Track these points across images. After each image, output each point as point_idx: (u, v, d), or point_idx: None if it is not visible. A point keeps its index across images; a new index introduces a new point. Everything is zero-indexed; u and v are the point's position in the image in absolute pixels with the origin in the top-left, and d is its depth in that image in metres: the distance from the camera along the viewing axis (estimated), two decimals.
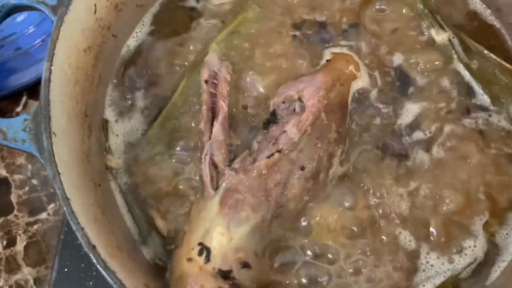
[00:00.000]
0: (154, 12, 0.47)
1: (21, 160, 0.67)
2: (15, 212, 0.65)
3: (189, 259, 0.35)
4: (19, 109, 0.69)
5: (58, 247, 0.62)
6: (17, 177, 0.66)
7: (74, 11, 0.38)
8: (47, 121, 0.34)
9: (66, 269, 0.60)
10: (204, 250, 0.35)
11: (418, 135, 0.43)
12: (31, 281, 0.62)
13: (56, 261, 0.61)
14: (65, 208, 0.32)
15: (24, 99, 0.70)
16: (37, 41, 0.69)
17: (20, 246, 0.63)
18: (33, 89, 0.70)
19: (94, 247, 0.31)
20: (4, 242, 0.63)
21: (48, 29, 0.69)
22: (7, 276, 0.62)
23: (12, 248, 0.63)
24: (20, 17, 0.68)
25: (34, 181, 0.66)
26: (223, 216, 0.37)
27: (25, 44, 0.69)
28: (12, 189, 0.66)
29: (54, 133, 0.34)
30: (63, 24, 0.37)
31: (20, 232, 0.64)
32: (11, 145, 0.33)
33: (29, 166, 0.67)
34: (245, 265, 0.36)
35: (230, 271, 0.35)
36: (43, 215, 0.65)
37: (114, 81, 0.45)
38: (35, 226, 0.64)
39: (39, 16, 0.70)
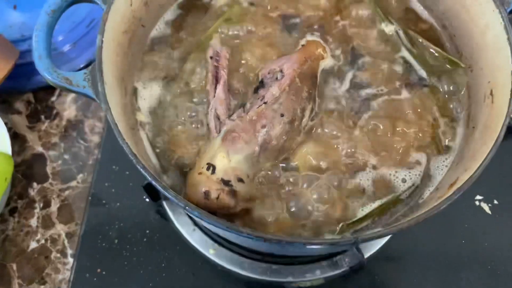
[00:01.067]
0: (173, 11, 0.63)
1: (55, 139, 0.80)
2: (50, 180, 0.77)
3: (200, 173, 0.49)
4: (53, 98, 0.83)
5: (87, 207, 0.74)
6: (51, 153, 0.79)
7: (117, 2, 0.53)
8: (100, 73, 0.48)
9: (92, 225, 0.73)
10: (211, 166, 0.49)
11: (367, 92, 0.57)
12: (63, 235, 0.74)
13: (84, 218, 0.74)
14: (114, 130, 0.45)
15: (57, 91, 0.83)
16: (69, 44, 0.84)
17: (54, 207, 0.75)
18: None
19: (135, 155, 0.44)
20: (41, 204, 0.76)
21: (76, 37, 0.85)
22: (43, 231, 0.74)
23: (47, 209, 0.75)
24: None
25: (66, 156, 0.79)
26: (224, 147, 0.51)
27: (59, 46, 0.84)
28: (48, 163, 0.79)
29: (105, 82, 0.48)
30: (110, 11, 0.51)
31: (54, 196, 0.76)
32: (75, 89, 0.47)
33: (62, 144, 0.80)
34: (240, 179, 0.49)
35: (230, 181, 0.48)
36: (73, 183, 0.77)
37: (142, 59, 0.60)
38: (67, 192, 0.76)
39: (68, 27, 0.85)
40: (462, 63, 0.59)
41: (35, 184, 0.76)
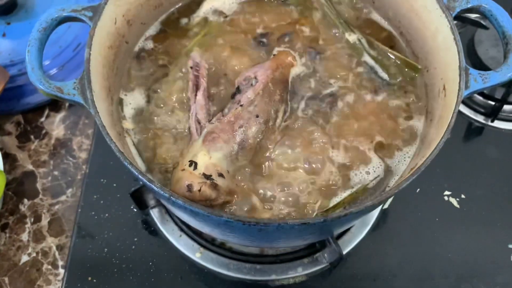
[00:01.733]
0: (154, 28, 0.68)
1: (45, 157, 0.84)
2: (40, 196, 0.80)
3: (183, 170, 0.53)
4: (42, 119, 0.87)
5: (76, 219, 0.77)
6: (41, 170, 0.83)
7: (102, 20, 0.57)
8: (88, 82, 0.52)
9: (82, 236, 0.76)
10: (193, 163, 0.53)
11: (333, 93, 0.63)
12: (54, 247, 0.76)
13: (74, 230, 0.77)
14: (102, 131, 0.50)
15: (46, 112, 0.88)
16: (56, 68, 0.89)
17: (44, 221, 0.78)
18: (55, 104, 0.88)
19: (122, 153, 0.48)
20: (32, 219, 0.78)
21: (63, 61, 0.89)
22: (35, 245, 0.76)
23: (38, 223, 0.78)
24: None
25: (55, 172, 0.82)
26: (205, 146, 0.55)
27: (46, 70, 0.88)
28: (38, 179, 0.82)
29: (93, 90, 0.52)
30: (96, 27, 0.56)
31: (44, 211, 0.79)
32: (66, 97, 0.51)
33: (51, 162, 0.84)
34: (220, 174, 0.54)
35: (211, 175, 0.53)
36: (63, 198, 0.80)
37: (127, 71, 0.64)
38: (57, 206, 0.79)
39: (55, 52, 0.90)
40: (419, 65, 0.65)
41: (26, 201, 0.79)
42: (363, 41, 0.67)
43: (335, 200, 0.57)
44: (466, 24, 0.84)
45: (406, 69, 0.65)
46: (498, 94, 0.82)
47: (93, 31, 0.55)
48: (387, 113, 0.62)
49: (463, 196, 0.78)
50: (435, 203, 0.78)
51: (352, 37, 0.68)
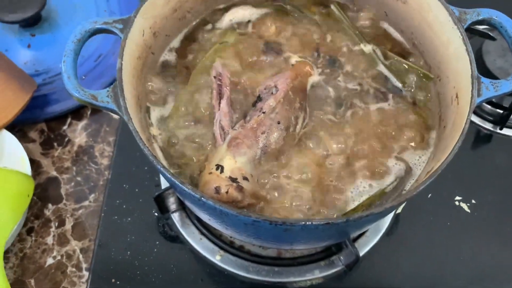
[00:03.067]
0: (178, 39, 0.72)
1: (68, 164, 0.86)
2: (64, 201, 0.83)
3: (210, 173, 0.56)
4: (65, 127, 0.90)
5: (99, 223, 0.80)
6: (65, 176, 0.85)
7: (132, 32, 0.61)
8: (121, 90, 0.55)
9: (105, 240, 0.79)
10: (220, 167, 0.56)
11: (351, 101, 0.66)
12: (78, 251, 0.79)
13: (98, 234, 0.79)
14: (136, 137, 0.52)
15: (69, 120, 0.91)
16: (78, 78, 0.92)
17: (68, 226, 0.81)
18: (77, 112, 0.91)
19: (154, 157, 0.51)
20: (56, 223, 0.81)
21: (85, 71, 0.93)
22: (59, 248, 0.79)
23: (62, 227, 0.81)
24: None
25: (78, 178, 0.85)
26: (230, 151, 0.58)
27: None
28: (61, 185, 0.85)
29: (126, 98, 0.56)
30: (127, 39, 0.60)
31: (68, 215, 0.82)
32: (100, 104, 0.54)
33: (74, 168, 0.86)
34: (245, 178, 0.57)
35: (236, 178, 0.56)
36: (86, 203, 0.83)
37: (153, 82, 0.68)
38: (80, 211, 0.82)
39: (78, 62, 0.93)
40: (431, 74, 0.68)
41: (50, 205, 0.82)
42: (378, 51, 0.70)
43: (354, 204, 0.59)
44: (474, 35, 0.87)
45: (419, 78, 0.68)
46: (506, 103, 0.85)
47: (124, 42, 0.59)
48: (401, 120, 0.65)
49: (473, 201, 0.81)
50: (446, 208, 0.80)
51: (367, 48, 0.71)
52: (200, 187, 0.56)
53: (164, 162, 0.62)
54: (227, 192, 0.54)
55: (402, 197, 0.50)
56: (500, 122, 0.86)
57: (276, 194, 0.59)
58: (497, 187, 0.82)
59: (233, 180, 0.55)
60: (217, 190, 0.54)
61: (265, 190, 0.59)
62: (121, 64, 0.57)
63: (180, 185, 0.50)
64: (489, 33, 0.85)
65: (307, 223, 0.48)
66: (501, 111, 0.86)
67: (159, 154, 0.62)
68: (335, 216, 0.57)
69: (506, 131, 0.86)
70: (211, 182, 0.55)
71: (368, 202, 0.59)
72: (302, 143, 0.63)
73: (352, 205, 0.59)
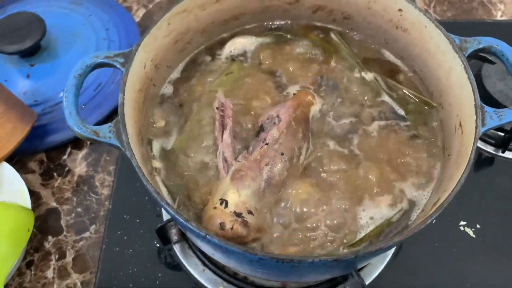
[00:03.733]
0: (179, 70, 0.72)
1: (68, 194, 0.86)
2: (64, 233, 0.82)
3: (214, 208, 0.55)
4: (65, 157, 0.89)
5: (101, 255, 0.79)
6: (65, 207, 0.84)
7: (133, 65, 0.61)
8: (123, 126, 0.55)
9: (106, 272, 0.77)
10: (224, 201, 0.55)
11: (355, 131, 0.66)
12: (79, 284, 0.78)
13: (99, 266, 0.78)
14: (139, 173, 0.52)
15: (68, 150, 0.90)
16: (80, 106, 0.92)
17: (69, 258, 0.79)
18: (77, 142, 0.90)
19: (158, 193, 0.51)
20: (57, 256, 0.80)
21: (84, 101, 0.92)
22: (60, 281, 0.77)
23: (63, 260, 0.79)
24: (62, 93, 0.91)
25: (79, 209, 0.84)
26: (233, 184, 0.58)
27: None
28: (62, 216, 0.84)
29: (128, 133, 0.55)
30: (128, 73, 0.60)
31: (69, 247, 0.80)
32: (102, 140, 0.54)
33: (74, 199, 0.86)
34: (250, 212, 0.56)
35: (241, 213, 0.55)
36: (87, 234, 0.82)
37: (154, 114, 0.67)
38: (81, 243, 0.81)
39: None
40: (433, 102, 0.68)
41: (50, 237, 0.81)
42: (379, 79, 0.70)
43: (360, 235, 0.58)
44: (472, 59, 0.87)
45: (422, 106, 0.68)
46: (508, 126, 0.85)
47: (126, 76, 0.58)
48: (405, 149, 0.65)
49: (478, 226, 0.80)
50: (451, 234, 0.79)
51: (368, 76, 0.71)
52: (203, 223, 0.56)
53: (167, 196, 0.61)
54: (232, 228, 0.53)
55: (410, 231, 0.49)
56: (502, 145, 0.85)
57: (280, 227, 0.58)
58: (501, 210, 0.81)
59: (238, 215, 0.54)
60: (222, 226, 0.53)
61: (269, 223, 0.58)
62: (123, 98, 0.57)
63: (185, 222, 0.49)
64: (488, 57, 0.85)
65: (315, 260, 0.47)
66: (503, 134, 0.86)
67: (162, 188, 0.61)
68: (341, 249, 0.56)
69: (508, 154, 0.86)
70: (216, 218, 0.54)
71: (374, 232, 0.59)
72: (306, 174, 0.62)
73: (358, 236, 0.58)
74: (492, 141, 0.87)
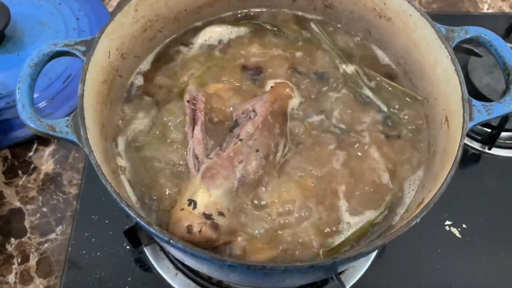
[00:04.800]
0: (148, 61, 0.67)
1: (33, 193, 0.80)
2: (28, 234, 0.77)
3: (182, 209, 0.51)
4: (31, 153, 0.84)
5: (66, 259, 0.74)
6: (29, 207, 0.79)
7: (96, 54, 0.56)
8: (82, 119, 0.50)
9: (72, 276, 0.73)
10: (192, 202, 0.51)
11: (335, 125, 0.62)
12: None
13: (65, 270, 0.73)
14: (97, 171, 0.47)
15: (35, 146, 0.85)
16: (45, 101, 0.86)
17: (32, 261, 0.74)
18: (43, 138, 0.85)
19: (118, 194, 0.46)
20: (19, 260, 0.75)
21: (52, 93, 0.87)
22: (22, 286, 0.72)
23: (26, 264, 0.74)
24: None
25: (44, 209, 0.79)
26: (204, 183, 0.53)
27: (35, 103, 0.86)
28: (26, 217, 0.79)
29: (87, 128, 0.50)
30: (90, 62, 0.55)
31: (33, 250, 0.75)
32: (58, 135, 0.49)
33: (40, 198, 0.81)
34: (221, 213, 0.52)
35: (211, 214, 0.50)
36: (52, 235, 0.77)
37: (120, 107, 0.63)
38: (46, 245, 0.76)
39: (44, 84, 0.88)
40: (418, 96, 0.64)
41: (12, 240, 0.76)
42: (361, 72, 0.67)
43: (340, 238, 0.55)
44: (459, 52, 0.84)
45: (406, 100, 0.64)
46: (495, 121, 0.82)
47: (87, 66, 0.54)
48: (388, 145, 0.61)
49: (464, 225, 0.77)
50: (437, 234, 0.76)
51: (349, 68, 0.67)
52: (170, 225, 0.51)
53: (133, 196, 0.56)
54: (200, 231, 0.49)
55: (393, 234, 0.45)
56: (489, 141, 0.82)
57: (254, 229, 0.54)
58: (488, 210, 0.78)
59: (207, 216, 0.50)
60: (189, 229, 0.49)
61: (243, 225, 0.54)
62: (83, 90, 0.52)
63: (147, 226, 0.44)
64: (475, 49, 0.82)
65: (288, 267, 0.43)
66: (490, 130, 0.83)
67: (127, 187, 0.57)
68: (321, 253, 0.52)
69: (495, 151, 0.83)
70: (183, 220, 0.49)
71: (356, 235, 0.55)
72: (283, 172, 0.58)
73: (339, 239, 0.55)
74: (479, 138, 0.84)
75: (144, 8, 0.62)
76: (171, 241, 0.44)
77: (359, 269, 0.72)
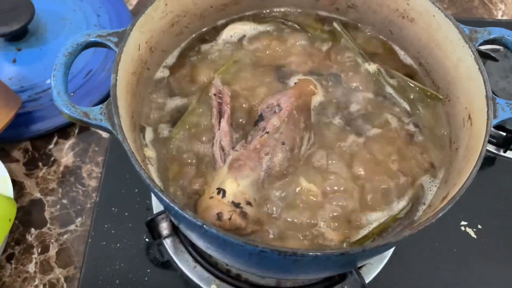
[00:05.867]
0: (175, 55, 0.68)
1: (53, 185, 0.81)
2: (48, 225, 0.78)
3: (211, 197, 0.52)
4: (51, 146, 0.85)
5: (86, 249, 0.75)
6: (49, 198, 0.80)
7: (127, 46, 0.57)
8: (116, 108, 0.51)
9: (92, 267, 0.73)
10: (221, 191, 0.52)
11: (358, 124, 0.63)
12: (62, 279, 0.73)
13: (84, 261, 0.74)
14: (131, 158, 0.48)
15: (55, 139, 0.86)
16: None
17: (52, 252, 0.75)
18: (63, 130, 0.86)
19: (152, 180, 0.47)
20: (39, 250, 0.76)
21: (73, 88, 0.88)
22: (42, 276, 0.73)
23: (45, 254, 0.75)
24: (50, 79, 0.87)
25: (64, 201, 0.80)
26: (232, 173, 0.54)
27: None
28: (46, 208, 0.80)
29: (120, 116, 0.51)
30: (122, 53, 0.56)
31: (52, 241, 0.76)
32: (93, 122, 0.50)
33: (60, 190, 0.81)
34: (248, 203, 0.52)
35: (239, 203, 0.51)
36: (72, 227, 0.77)
37: (148, 99, 0.64)
38: (65, 236, 0.77)
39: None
40: (440, 95, 0.65)
41: (33, 230, 0.77)
42: (383, 70, 0.68)
43: (363, 232, 0.55)
44: None
45: (427, 99, 0.65)
46: (510, 125, 0.83)
47: (119, 56, 0.55)
48: (409, 142, 0.62)
49: (479, 226, 0.78)
50: (452, 234, 0.77)
51: (371, 67, 0.68)
52: (199, 213, 0.52)
53: (160, 185, 0.57)
54: (230, 219, 0.50)
55: (421, 225, 0.46)
56: (504, 144, 0.83)
57: (279, 220, 0.55)
58: (503, 211, 0.79)
59: (236, 205, 0.51)
60: (219, 216, 0.50)
61: (268, 216, 0.55)
62: (116, 79, 0.53)
63: (180, 211, 0.45)
64: (491, 53, 0.83)
65: (318, 254, 0.44)
66: (504, 134, 0.84)
67: (155, 177, 0.58)
68: (345, 245, 0.53)
69: (510, 154, 0.84)
70: (213, 208, 0.50)
71: (378, 230, 0.56)
72: (307, 166, 0.59)
73: (361, 233, 0.55)
74: (494, 141, 0.85)
75: (173, 3, 0.63)
76: (204, 226, 0.44)
77: (376, 266, 0.72)
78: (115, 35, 0.57)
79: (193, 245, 0.72)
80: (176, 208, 0.46)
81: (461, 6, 1.07)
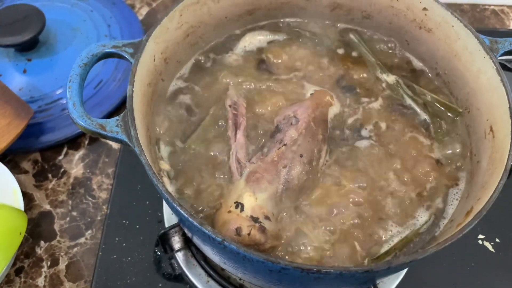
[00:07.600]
0: (189, 66, 0.67)
1: (63, 197, 0.80)
2: (58, 238, 0.76)
3: (229, 212, 0.50)
4: (61, 157, 0.84)
5: (97, 263, 0.73)
6: (59, 210, 0.79)
7: (143, 57, 0.56)
8: (132, 120, 0.50)
9: (102, 281, 0.72)
10: (239, 205, 0.51)
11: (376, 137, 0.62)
12: None
13: (95, 275, 0.72)
14: (148, 172, 0.47)
15: (65, 150, 0.85)
16: None
17: (62, 265, 0.74)
18: (73, 141, 0.86)
19: (170, 193, 0.46)
20: (49, 263, 0.74)
21: (84, 97, 0.87)
22: None
23: (55, 267, 0.74)
24: (60, 90, 0.86)
25: (74, 213, 0.79)
26: (249, 187, 0.53)
27: (66, 107, 0.86)
28: (55, 220, 0.78)
29: (136, 128, 0.50)
30: (138, 64, 0.55)
31: (62, 254, 0.75)
32: (109, 134, 0.49)
33: (70, 202, 0.80)
34: (267, 217, 0.51)
35: (258, 218, 0.50)
36: (82, 240, 0.76)
37: (163, 111, 0.63)
38: (75, 249, 0.75)
39: None
40: (459, 107, 0.64)
41: (42, 243, 0.75)
42: (401, 82, 0.67)
43: (384, 248, 0.54)
44: None
45: (447, 111, 0.64)
46: None
47: (135, 67, 0.54)
48: (429, 155, 0.61)
49: (497, 240, 0.76)
50: (470, 247, 0.75)
51: (390, 78, 0.67)
52: (217, 228, 0.51)
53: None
54: (249, 234, 0.49)
55: (447, 240, 0.45)
56: None
57: (298, 235, 0.54)
58: None
59: (255, 220, 0.50)
60: (238, 231, 0.49)
61: (287, 231, 0.53)
62: (132, 91, 0.52)
63: (200, 226, 0.44)
64: (507, 64, 0.82)
65: (343, 272, 0.42)
66: None
67: (170, 190, 0.56)
68: (366, 262, 0.52)
69: None
70: (231, 223, 0.49)
71: (400, 245, 0.54)
72: (326, 179, 0.58)
73: (383, 249, 0.54)
74: None
75: (188, 14, 0.62)
76: (224, 242, 0.43)
77: (393, 281, 0.70)
78: (130, 46, 0.56)
79: (205, 259, 0.70)
80: (195, 223, 0.44)
81: (473, 16, 1.06)
